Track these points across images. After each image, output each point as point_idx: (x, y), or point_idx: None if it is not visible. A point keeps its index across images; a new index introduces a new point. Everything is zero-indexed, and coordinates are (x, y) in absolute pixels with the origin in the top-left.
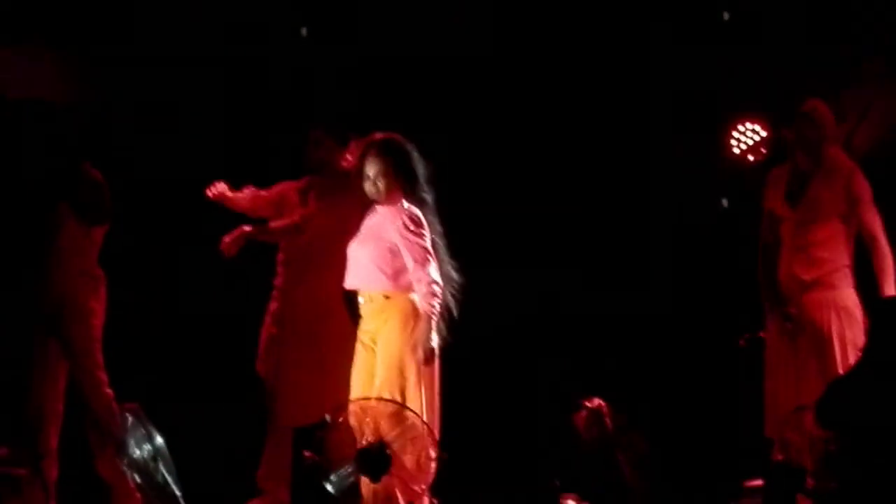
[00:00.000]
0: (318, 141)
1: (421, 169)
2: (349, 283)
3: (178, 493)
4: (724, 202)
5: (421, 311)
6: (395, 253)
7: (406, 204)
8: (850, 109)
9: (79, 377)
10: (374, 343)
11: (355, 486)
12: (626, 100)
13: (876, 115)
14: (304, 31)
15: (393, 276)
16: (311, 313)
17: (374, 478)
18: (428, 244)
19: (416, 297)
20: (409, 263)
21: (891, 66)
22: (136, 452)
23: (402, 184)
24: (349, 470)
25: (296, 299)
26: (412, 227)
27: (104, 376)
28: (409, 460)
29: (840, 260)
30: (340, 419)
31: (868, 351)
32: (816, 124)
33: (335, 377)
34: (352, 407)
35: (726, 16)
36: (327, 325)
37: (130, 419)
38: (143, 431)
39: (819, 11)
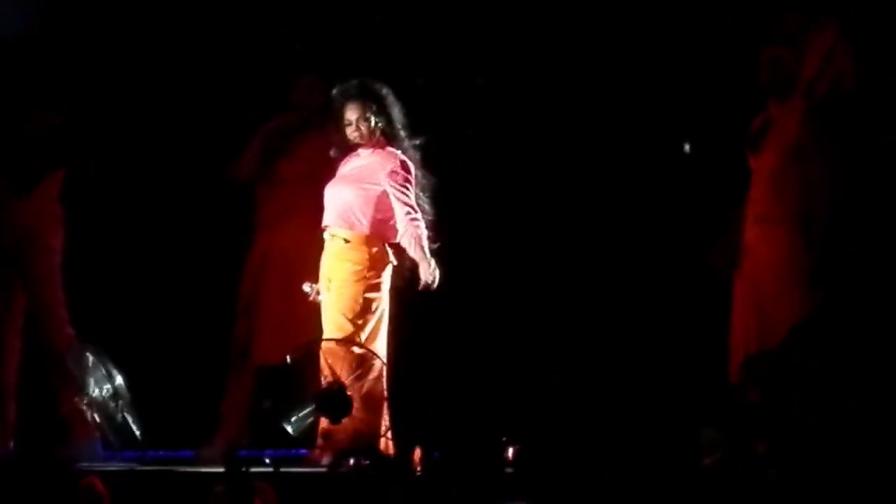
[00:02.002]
0: (310, 87)
1: (398, 112)
2: (326, 220)
3: (137, 432)
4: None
5: (420, 250)
6: (380, 199)
7: (398, 151)
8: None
9: (38, 313)
10: (328, 285)
11: (314, 426)
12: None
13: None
14: None
15: (371, 222)
16: (290, 254)
17: (334, 419)
18: (412, 199)
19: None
20: (399, 211)
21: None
22: (96, 391)
23: (384, 127)
24: (308, 410)
25: (277, 240)
26: (402, 178)
27: (65, 314)
28: (365, 403)
29: None
30: (301, 360)
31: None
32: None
33: (306, 319)
34: (313, 348)
35: None
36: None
37: (90, 358)
38: (103, 371)
39: None
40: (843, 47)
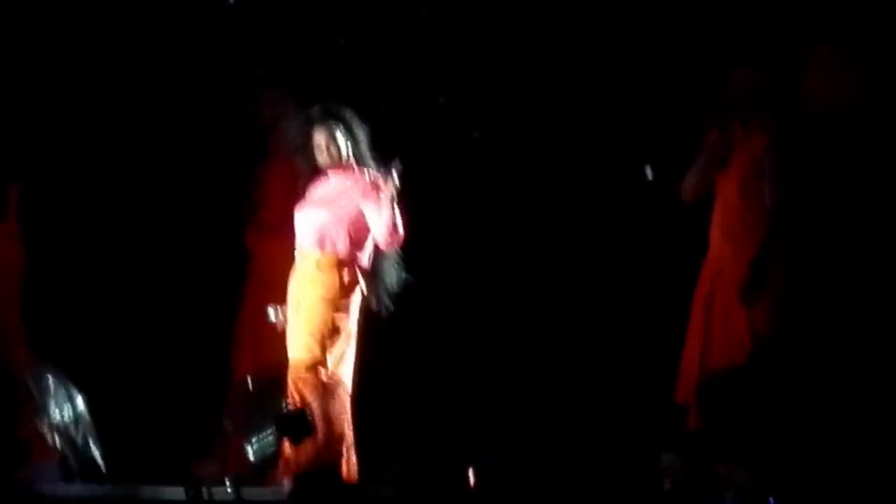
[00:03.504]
0: (272, 101)
1: (364, 134)
2: (298, 243)
3: (98, 456)
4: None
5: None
6: (352, 220)
7: (367, 170)
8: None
9: None
10: (297, 308)
11: (276, 449)
12: None
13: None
14: None
15: (344, 244)
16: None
17: (296, 441)
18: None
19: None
20: (377, 227)
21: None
22: (57, 414)
23: (352, 149)
24: (270, 433)
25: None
26: (377, 193)
27: (21, 334)
28: (329, 426)
29: None
30: (261, 383)
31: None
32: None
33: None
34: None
35: None
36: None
37: (51, 380)
38: (65, 393)
39: None
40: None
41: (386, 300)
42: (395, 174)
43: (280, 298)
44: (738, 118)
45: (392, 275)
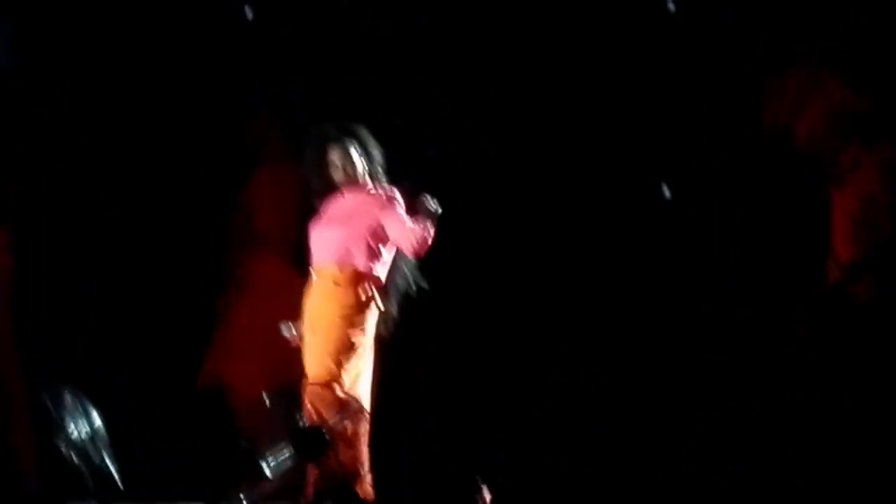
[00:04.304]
0: (267, 124)
1: (378, 152)
2: (315, 260)
3: (115, 474)
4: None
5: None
6: (370, 236)
7: (383, 186)
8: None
9: None
10: (314, 326)
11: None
12: None
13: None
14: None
15: (362, 260)
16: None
17: (312, 458)
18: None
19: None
20: (404, 238)
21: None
22: (73, 432)
23: (368, 166)
24: (286, 451)
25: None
26: (397, 207)
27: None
28: (346, 445)
29: None
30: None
31: None
32: None
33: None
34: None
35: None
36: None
37: (68, 397)
38: (81, 409)
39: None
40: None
41: (396, 309)
42: (431, 201)
43: (275, 312)
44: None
45: (406, 281)
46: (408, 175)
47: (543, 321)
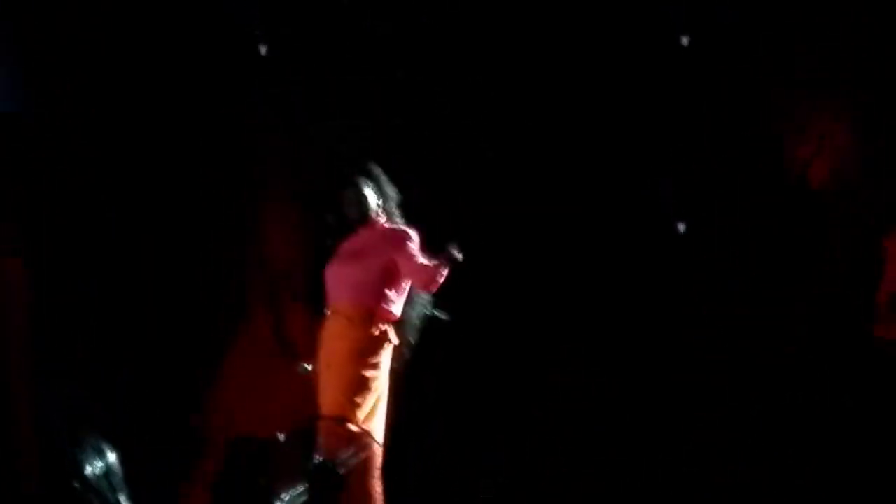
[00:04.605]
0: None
1: (392, 191)
2: (329, 298)
3: None
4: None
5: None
6: (384, 273)
7: (397, 223)
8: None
9: None
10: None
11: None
12: None
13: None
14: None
15: (376, 298)
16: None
17: (325, 495)
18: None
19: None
20: (417, 276)
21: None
22: (88, 469)
23: (382, 204)
24: (300, 487)
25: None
26: (411, 244)
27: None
28: (359, 481)
29: None
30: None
31: None
32: None
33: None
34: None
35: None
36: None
37: (82, 437)
38: (95, 445)
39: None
40: None
41: (411, 344)
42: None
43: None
44: None
45: (419, 313)
46: (407, 175)
47: (543, 321)
